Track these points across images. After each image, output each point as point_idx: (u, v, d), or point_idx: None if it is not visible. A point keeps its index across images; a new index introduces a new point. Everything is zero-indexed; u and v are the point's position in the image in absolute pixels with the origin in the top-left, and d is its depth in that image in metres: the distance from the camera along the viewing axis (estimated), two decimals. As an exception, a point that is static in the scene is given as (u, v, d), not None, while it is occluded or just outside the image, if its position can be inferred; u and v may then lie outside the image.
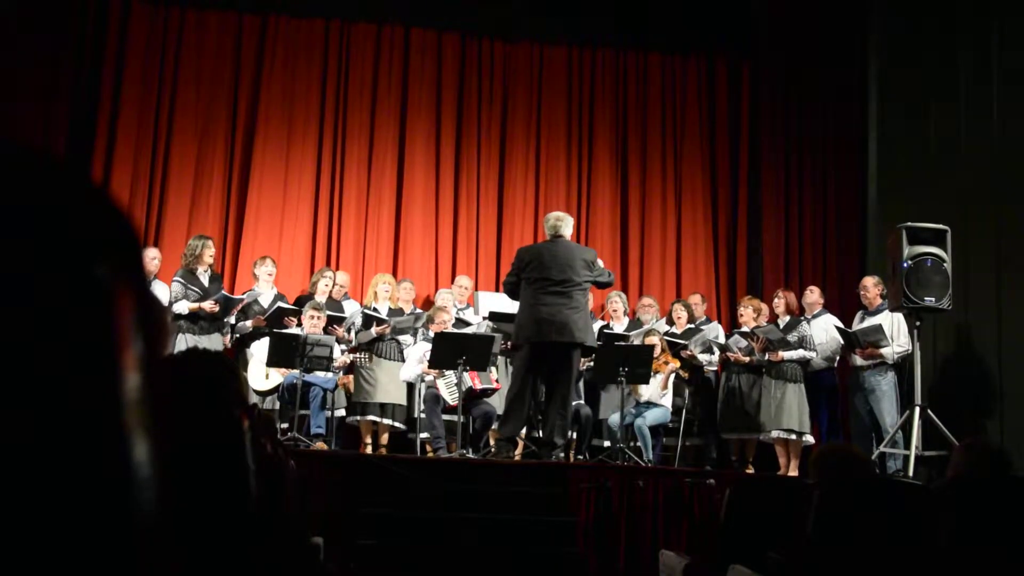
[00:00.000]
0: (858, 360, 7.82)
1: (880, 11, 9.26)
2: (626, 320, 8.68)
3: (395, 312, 8.11)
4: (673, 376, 7.85)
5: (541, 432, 6.91)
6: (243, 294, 8.12)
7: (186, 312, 7.46)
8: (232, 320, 7.88)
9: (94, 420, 0.47)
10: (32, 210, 0.47)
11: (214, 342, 7.52)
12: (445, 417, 7.53)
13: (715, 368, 8.28)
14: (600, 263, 7.20)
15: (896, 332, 7.69)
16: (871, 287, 7.99)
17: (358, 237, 9.44)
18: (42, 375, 0.46)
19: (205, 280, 7.73)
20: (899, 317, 7.59)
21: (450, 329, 7.77)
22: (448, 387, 7.50)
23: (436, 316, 7.93)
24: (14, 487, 0.44)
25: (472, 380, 7.49)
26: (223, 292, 7.78)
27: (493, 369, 7.70)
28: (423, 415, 7.73)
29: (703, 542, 5.86)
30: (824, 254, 9.80)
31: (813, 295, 8.38)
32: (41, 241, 0.47)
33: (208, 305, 7.50)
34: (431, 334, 7.67)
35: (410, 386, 7.91)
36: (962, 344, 8.08)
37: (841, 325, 8.06)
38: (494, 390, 7.59)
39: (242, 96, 9.50)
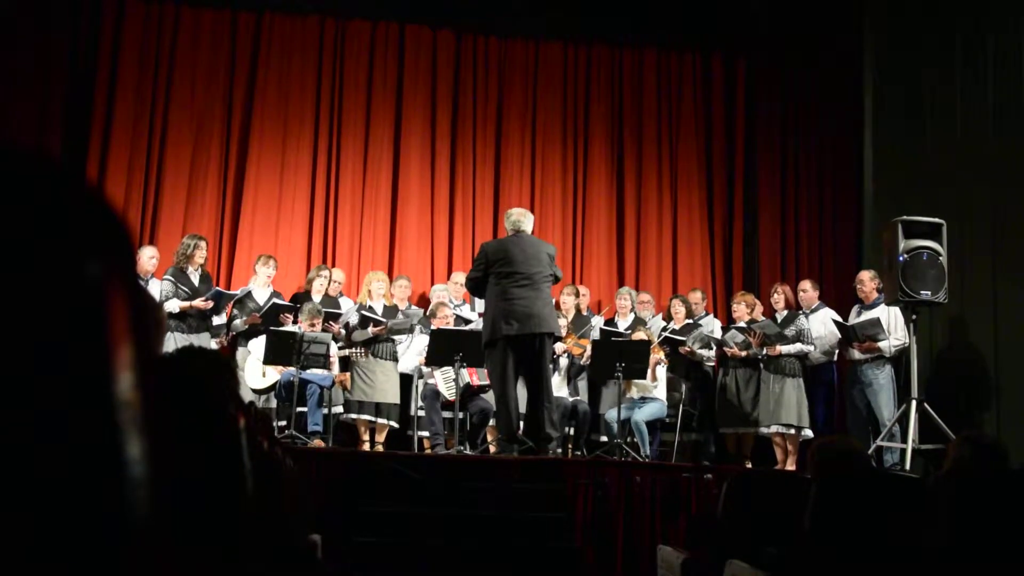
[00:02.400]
0: (855, 354, 7.83)
1: (877, 6, 9.26)
2: (631, 316, 8.69)
3: (390, 309, 8.11)
4: (664, 368, 7.87)
5: (535, 428, 6.90)
6: (237, 291, 8.12)
7: (176, 311, 7.44)
8: (223, 319, 7.87)
9: (88, 419, 0.47)
10: (27, 210, 0.47)
11: (203, 341, 7.50)
12: (443, 414, 7.54)
13: (713, 363, 8.30)
14: None
15: (893, 326, 7.70)
16: (867, 281, 8.00)
17: (354, 234, 9.43)
18: (37, 374, 0.46)
19: (195, 279, 7.71)
20: (895, 310, 7.60)
21: (452, 325, 7.79)
22: (446, 382, 7.51)
23: (438, 311, 7.93)
24: (9, 486, 0.44)
25: (470, 376, 7.50)
26: (216, 288, 7.77)
27: None
28: (421, 412, 7.74)
29: (701, 537, 5.87)
30: (820, 248, 9.81)
31: (807, 292, 8.36)
32: (36, 240, 0.47)
33: (200, 303, 7.49)
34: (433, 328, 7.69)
35: (406, 384, 7.92)
36: (958, 338, 8.10)
37: (839, 319, 8.07)
38: (491, 386, 7.60)
39: (237, 94, 9.49)
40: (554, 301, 7.45)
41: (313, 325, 7.59)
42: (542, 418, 6.72)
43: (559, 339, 7.24)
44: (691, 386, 8.17)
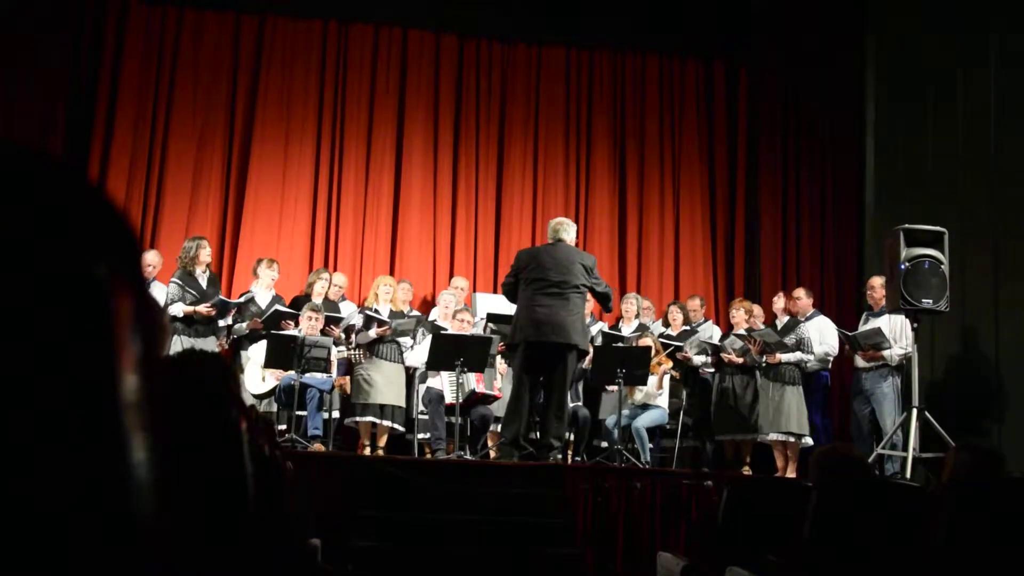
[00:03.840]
0: (860, 362, 7.81)
1: (878, 13, 9.27)
2: (636, 322, 8.68)
3: (396, 314, 8.11)
4: (668, 377, 7.86)
5: (539, 434, 6.91)
6: (239, 297, 8.11)
7: (181, 315, 7.44)
8: (228, 321, 7.87)
9: (93, 421, 0.47)
10: (31, 210, 0.47)
11: (209, 345, 7.50)
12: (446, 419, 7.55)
13: (711, 370, 8.29)
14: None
15: (899, 334, 7.66)
16: (878, 287, 7.90)
17: (356, 238, 9.43)
18: (41, 376, 0.46)
19: (203, 281, 7.71)
20: (902, 318, 7.57)
21: (471, 330, 7.82)
22: (451, 385, 7.49)
23: (459, 315, 7.95)
24: (13, 488, 0.44)
25: (477, 383, 7.51)
26: (220, 297, 7.76)
27: (499, 376, 7.71)
28: (423, 416, 7.74)
29: (701, 544, 5.86)
30: (822, 256, 9.81)
31: (802, 300, 8.33)
32: (40, 241, 0.47)
33: (204, 309, 7.49)
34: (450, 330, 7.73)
35: (408, 387, 7.91)
36: (961, 346, 8.09)
37: (835, 326, 8.06)
38: (495, 398, 7.59)
39: (240, 97, 9.49)
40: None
41: (312, 320, 7.57)
42: (549, 427, 6.72)
43: (585, 354, 7.22)
44: (689, 392, 8.16)
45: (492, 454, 7.40)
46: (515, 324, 6.86)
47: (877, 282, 7.95)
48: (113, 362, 0.48)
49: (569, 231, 7.06)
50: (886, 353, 7.62)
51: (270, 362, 7.37)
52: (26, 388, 0.45)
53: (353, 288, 9.00)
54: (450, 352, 7.17)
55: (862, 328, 7.91)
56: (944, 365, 8.16)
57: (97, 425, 0.47)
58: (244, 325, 7.83)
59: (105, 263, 0.49)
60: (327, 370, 7.48)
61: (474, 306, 8.84)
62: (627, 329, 8.53)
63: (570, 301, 6.76)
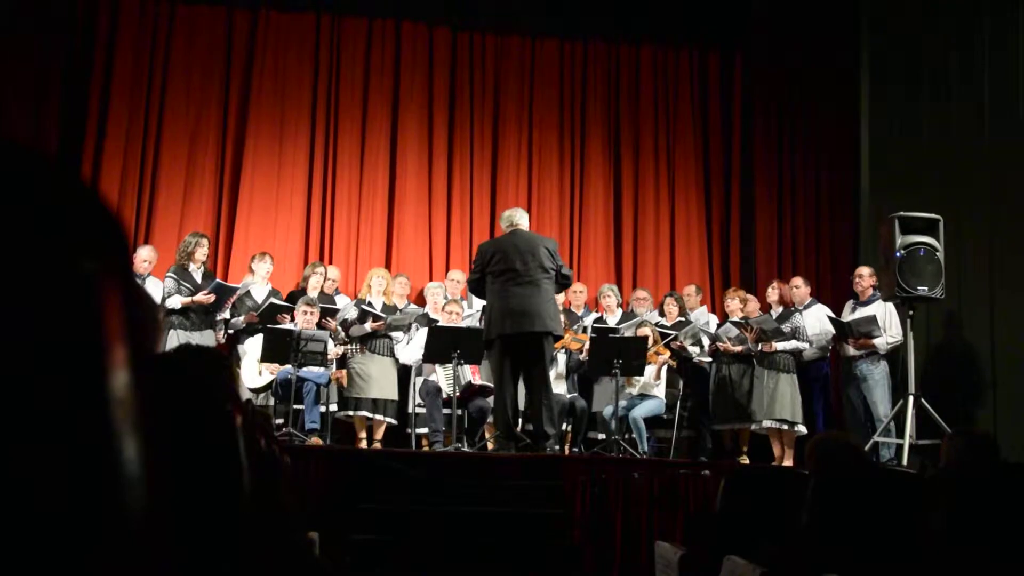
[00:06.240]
0: (849, 350, 7.83)
1: (874, 3, 9.26)
2: (619, 312, 8.67)
3: (389, 308, 8.10)
4: (666, 367, 7.86)
5: (532, 425, 6.91)
6: (237, 285, 8.11)
7: (179, 307, 7.45)
8: (227, 315, 7.86)
9: (83, 418, 0.47)
10: (22, 208, 0.47)
11: (206, 338, 7.51)
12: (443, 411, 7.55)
13: (708, 359, 8.29)
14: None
15: (888, 323, 7.69)
16: (866, 276, 7.96)
17: (351, 231, 9.43)
18: (30, 374, 0.45)
19: (198, 277, 7.73)
20: (891, 307, 7.61)
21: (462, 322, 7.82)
22: (447, 378, 7.50)
23: (449, 307, 7.95)
24: (5, 486, 0.44)
25: (473, 375, 7.50)
26: (217, 280, 7.77)
27: None
28: (420, 410, 7.74)
29: (698, 533, 5.87)
30: (817, 244, 9.82)
31: (800, 289, 8.36)
32: (30, 238, 0.47)
33: (202, 296, 7.50)
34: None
35: (403, 380, 7.91)
36: (955, 333, 8.11)
37: (833, 315, 8.08)
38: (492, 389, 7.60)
39: (233, 91, 9.47)
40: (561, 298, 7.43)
41: (307, 314, 7.56)
42: (540, 416, 6.71)
43: (559, 338, 7.23)
44: (685, 382, 8.17)
45: (489, 446, 7.41)
46: (490, 319, 6.78)
47: (865, 271, 8.01)
48: (105, 358, 0.48)
49: (524, 218, 7.04)
50: (877, 341, 7.64)
51: (266, 356, 7.37)
52: (16, 386, 0.45)
53: (348, 282, 9.00)
54: (447, 344, 7.17)
55: (849, 316, 7.93)
56: (938, 352, 8.18)
57: (88, 422, 0.47)
58: (241, 319, 7.83)
59: (96, 260, 0.49)
60: (324, 364, 7.48)
61: (470, 298, 8.83)
62: (612, 320, 8.53)
63: (540, 287, 6.72)
